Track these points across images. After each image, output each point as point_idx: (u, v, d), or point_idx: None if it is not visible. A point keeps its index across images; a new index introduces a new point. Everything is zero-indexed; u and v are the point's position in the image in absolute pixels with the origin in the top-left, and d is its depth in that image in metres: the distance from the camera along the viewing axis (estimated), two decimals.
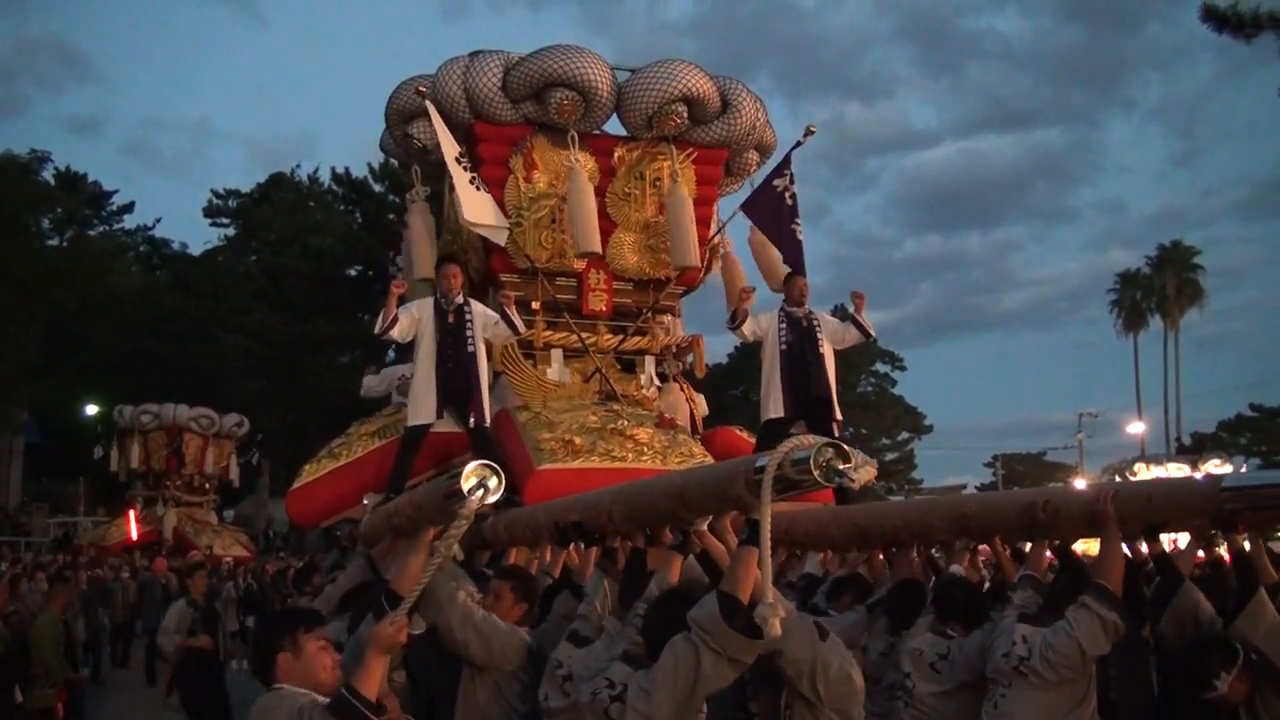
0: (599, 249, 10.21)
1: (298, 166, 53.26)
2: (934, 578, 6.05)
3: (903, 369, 63.79)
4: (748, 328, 9.61)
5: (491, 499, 3.54)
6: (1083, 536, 5.43)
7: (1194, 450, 48.40)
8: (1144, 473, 24.59)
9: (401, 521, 4.38)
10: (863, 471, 3.23)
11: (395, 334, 8.83)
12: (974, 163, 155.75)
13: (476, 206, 9.72)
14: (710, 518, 4.23)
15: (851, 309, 9.93)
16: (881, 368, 62.36)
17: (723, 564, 4.27)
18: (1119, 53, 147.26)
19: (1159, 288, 60.11)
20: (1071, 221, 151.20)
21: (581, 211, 10.04)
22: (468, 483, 3.51)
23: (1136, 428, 54.04)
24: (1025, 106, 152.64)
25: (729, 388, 47.66)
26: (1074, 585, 4.94)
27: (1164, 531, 5.04)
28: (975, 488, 55.11)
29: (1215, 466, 24.36)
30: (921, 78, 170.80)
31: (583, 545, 5.34)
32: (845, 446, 3.22)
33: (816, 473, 3.19)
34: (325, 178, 50.04)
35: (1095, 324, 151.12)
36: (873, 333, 9.87)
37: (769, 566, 3.32)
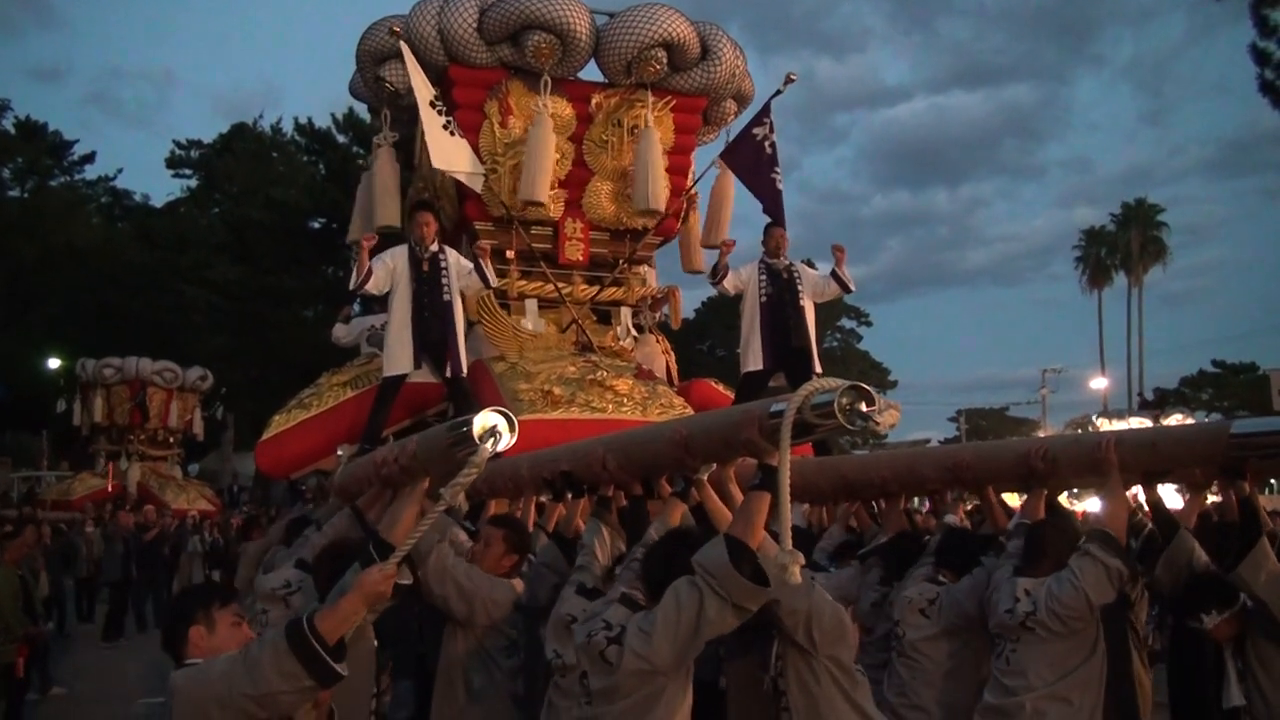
0: (543, 199, 10.05)
1: (260, 117, 52.48)
2: (909, 529, 6.01)
3: (868, 324, 63.86)
4: (729, 281, 9.47)
5: (503, 446, 3.40)
6: (1082, 485, 5.36)
7: (1156, 405, 48.86)
8: (1105, 427, 24.74)
9: (393, 471, 4.21)
10: (886, 414, 3.08)
11: (371, 287, 8.56)
12: (944, 119, 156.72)
13: (448, 152, 9.49)
14: (712, 467, 4.11)
15: (832, 263, 9.76)
16: (847, 323, 62.35)
17: (718, 517, 4.18)
18: (1091, 9, 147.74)
19: (1123, 245, 60.41)
20: (1039, 178, 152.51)
21: (537, 157, 9.87)
22: (480, 429, 3.37)
23: (1099, 383, 54.55)
24: (996, 63, 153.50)
25: (696, 342, 47.56)
26: (1061, 533, 4.88)
27: (1164, 481, 4.94)
28: (939, 442, 55.53)
29: (1177, 421, 24.57)
30: (893, 32, 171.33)
31: (569, 496, 5.21)
32: (868, 389, 3.08)
33: (840, 416, 3.05)
34: (288, 128, 49.38)
35: (1060, 280, 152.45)
36: (852, 286, 9.71)
37: (788, 513, 3.19)
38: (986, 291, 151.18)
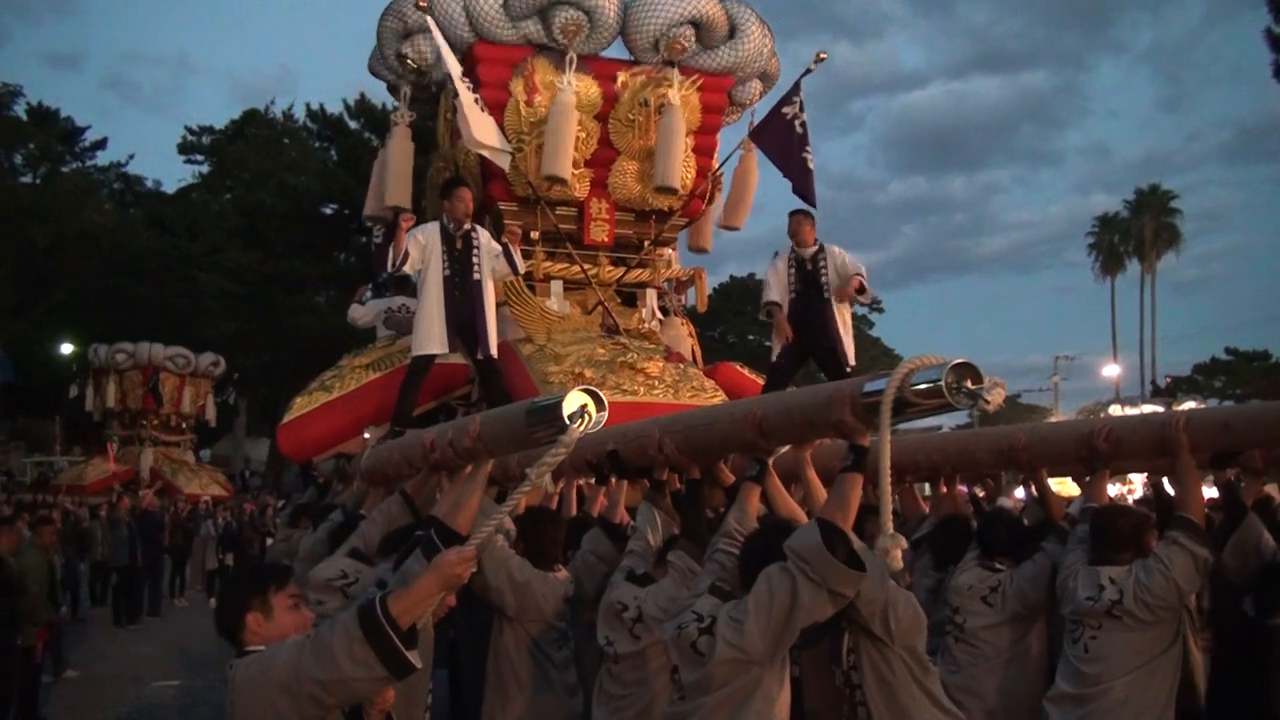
0: (566, 176, 9.80)
1: (272, 103, 52.46)
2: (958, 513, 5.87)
3: (880, 311, 63.50)
4: (772, 294, 9.27)
5: (592, 426, 3.25)
6: (1146, 468, 5.19)
7: (1168, 393, 48.65)
8: (1118, 414, 24.73)
9: (443, 455, 4.05)
10: (994, 392, 2.90)
11: (408, 268, 8.37)
12: (961, 104, 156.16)
13: (483, 127, 9.32)
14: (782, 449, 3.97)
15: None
16: (859, 309, 61.91)
17: (780, 502, 4.08)
18: None
19: (1136, 232, 60.23)
20: (1056, 165, 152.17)
21: (558, 131, 9.67)
22: (571, 409, 3.23)
23: (1112, 370, 54.37)
24: (1015, 48, 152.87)
25: (708, 329, 47.32)
26: (1131, 519, 4.73)
27: (1231, 464, 4.76)
28: (950, 429, 55.28)
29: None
30: (912, 17, 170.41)
31: (614, 480, 5.06)
32: (975, 365, 2.92)
33: (948, 395, 2.89)
34: (300, 114, 49.25)
35: (1074, 267, 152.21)
36: (868, 301, 9.49)
37: (889, 497, 3.05)
38: (1001, 278, 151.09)
